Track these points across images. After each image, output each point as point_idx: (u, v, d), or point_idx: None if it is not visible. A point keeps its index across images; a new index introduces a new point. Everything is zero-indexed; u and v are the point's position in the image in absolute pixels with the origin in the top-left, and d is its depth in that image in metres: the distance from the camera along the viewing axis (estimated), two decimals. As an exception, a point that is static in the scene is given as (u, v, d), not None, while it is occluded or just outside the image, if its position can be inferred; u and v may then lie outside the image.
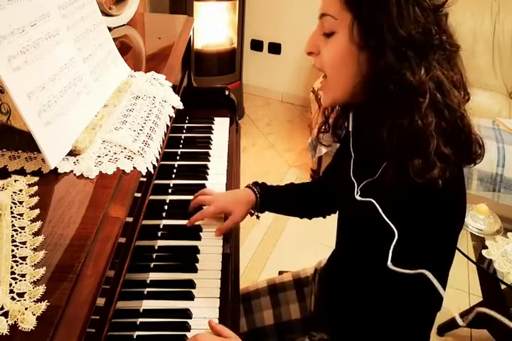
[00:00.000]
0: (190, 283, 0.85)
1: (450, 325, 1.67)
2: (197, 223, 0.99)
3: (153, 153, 0.76)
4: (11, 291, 0.48)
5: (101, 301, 0.56)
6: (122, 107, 0.83)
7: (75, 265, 0.51)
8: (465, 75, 0.67)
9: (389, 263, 0.65)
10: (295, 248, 2.06)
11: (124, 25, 1.29)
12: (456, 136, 0.64)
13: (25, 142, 0.66)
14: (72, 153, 0.68)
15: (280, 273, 1.22)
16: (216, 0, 2.70)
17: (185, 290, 0.84)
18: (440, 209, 0.65)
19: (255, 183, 1.04)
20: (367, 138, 0.74)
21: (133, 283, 0.84)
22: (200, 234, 0.98)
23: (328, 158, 0.97)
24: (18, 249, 0.52)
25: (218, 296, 0.84)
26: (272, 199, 1.03)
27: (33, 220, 0.57)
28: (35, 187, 0.62)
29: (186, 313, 0.80)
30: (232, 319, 0.81)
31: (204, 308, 0.81)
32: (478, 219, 1.43)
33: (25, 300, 0.47)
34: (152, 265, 0.89)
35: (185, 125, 1.37)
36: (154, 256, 0.91)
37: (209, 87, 1.55)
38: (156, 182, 0.89)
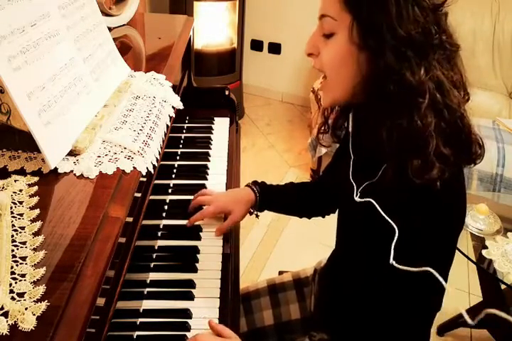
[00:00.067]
0: (190, 283, 0.85)
1: (450, 324, 1.67)
2: (197, 223, 0.99)
3: (153, 153, 0.76)
4: (11, 291, 0.48)
5: (101, 301, 0.56)
6: (122, 107, 0.83)
7: (75, 265, 0.51)
8: (465, 75, 0.67)
9: (392, 260, 0.65)
10: (295, 248, 2.06)
11: (124, 25, 1.29)
12: (455, 136, 0.64)
13: (25, 142, 0.66)
14: (72, 153, 0.69)
15: (280, 273, 1.22)
16: (216, 0, 2.70)
17: (185, 290, 0.84)
18: (440, 209, 0.65)
19: (255, 182, 1.04)
20: (366, 139, 0.74)
21: (133, 283, 0.84)
22: (200, 234, 0.98)
23: (328, 158, 0.97)
24: (18, 249, 0.52)
25: (218, 296, 0.84)
26: (272, 198, 1.03)
27: (33, 220, 0.57)
28: (35, 187, 0.62)
29: (186, 313, 0.80)
30: (232, 319, 0.81)
31: (204, 308, 0.81)
32: (478, 219, 1.43)
33: (25, 300, 0.47)
34: (152, 265, 0.89)
35: (185, 125, 1.37)
36: (154, 256, 0.91)
37: (209, 87, 1.55)
38: (156, 182, 0.89)
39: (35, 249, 0.52)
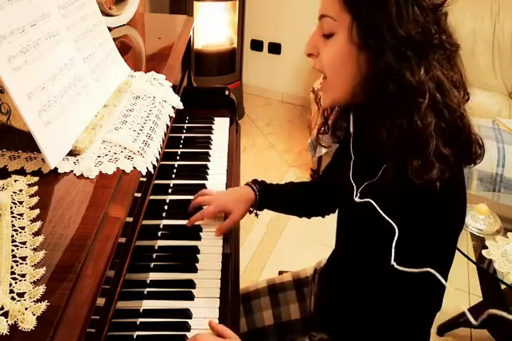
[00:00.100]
0: (190, 283, 0.85)
1: (450, 324, 1.67)
2: (197, 223, 0.99)
3: (153, 153, 0.76)
4: (11, 291, 0.48)
5: (101, 301, 0.56)
6: (122, 107, 0.83)
7: (75, 265, 0.51)
8: (465, 75, 0.67)
9: (393, 262, 0.65)
10: (295, 248, 2.06)
11: (124, 25, 1.29)
12: (455, 137, 0.64)
13: (25, 142, 0.66)
14: (72, 153, 0.69)
15: (280, 273, 1.22)
16: (216, 0, 2.70)
17: (185, 290, 0.84)
18: (440, 210, 0.65)
19: (255, 181, 1.04)
20: (367, 139, 0.74)
21: (133, 283, 0.84)
22: (200, 234, 0.98)
23: (328, 158, 0.98)
24: (18, 249, 0.52)
25: (218, 296, 0.84)
26: (271, 196, 1.03)
27: (33, 220, 0.57)
28: (35, 187, 0.62)
29: (186, 313, 0.80)
30: (232, 319, 0.81)
31: (204, 308, 0.81)
32: (478, 219, 1.43)
33: (25, 300, 0.47)
34: (152, 265, 0.89)
35: (185, 125, 1.37)
36: (154, 256, 0.91)
37: (209, 87, 1.55)
38: (156, 182, 0.89)
39: (35, 249, 0.52)
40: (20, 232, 0.55)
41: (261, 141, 2.90)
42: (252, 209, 1.02)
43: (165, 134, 0.88)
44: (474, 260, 1.34)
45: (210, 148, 1.26)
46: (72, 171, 0.66)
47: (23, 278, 0.49)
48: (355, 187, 0.75)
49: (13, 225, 0.56)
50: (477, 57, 2.40)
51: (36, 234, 0.55)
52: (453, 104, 0.63)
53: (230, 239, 0.98)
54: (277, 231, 2.17)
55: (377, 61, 0.63)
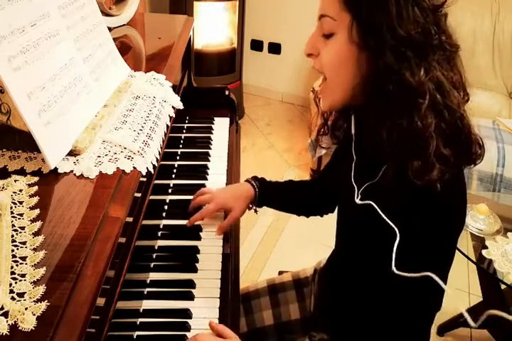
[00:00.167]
0: (190, 283, 0.85)
1: (450, 324, 1.67)
2: (197, 223, 0.99)
3: (153, 153, 0.76)
4: (11, 291, 0.48)
5: (101, 301, 0.56)
6: (122, 107, 0.83)
7: (75, 265, 0.51)
8: (464, 76, 0.67)
9: (393, 268, 0.65)
10: (295, 248, 2.06)
11: (124, 25, 1.29)
12: (455, 137, 0.64)
13: (25, 142, 0.66)
14: (72, 153, 0.68)
15: (280, 273, 1.22)
16: (216, 0, 2.70)
17: (185, 290, 0.84)
18: (440, 211, 0.65)
19: (254, 177, 1.04)
20: (367, 140, 0.74)
21: (133, 283, 0.84)
22: (200, 234, 0.98)
23: (328, 158, 0.97)
24: (18, 249, 0.52)
25: (218, 296, 0.84)
26: (271, 193, 1.03)
27: (33, 220, 0.57)
28: (35, 187, 0.62)
29: (186, 313, 0.80)
30: (232, 319, 0.81)
31: (204, 308, 0.81)
32: (478, 219, 1.43)
33: (25, 300, 0.47)
34: (152, 265, 0.89)
35: (185, 125, 1.37)
36: (154, 256, 0.91)
37: (209, 87, 1.55)
38: (156, 182, 0.89)
39: (35, 249, 0.52)
40: (20, 232, 0.55)
41: (261, 141, 2.90)
42: (251, 205, 1.02)
43: (165, 134, 0.88)
44: (474, 260, 1.34)
45: (210, 148, 1.26)
46: (72, 171, 0.66)
47: (23, 278, 0.49)
48: (356, 189, 0.75)
49: (13, 225, 0.56)
50: (477, 57, 2.40)
51: (36, 234, 0.55)
52: (453, 105, 0.63)
53: (230, 239, 0.98)
54: (277, 231, 2.17)
55: (377, 61, 0.63)
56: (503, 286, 1.36)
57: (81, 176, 0.65)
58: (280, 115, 3.25)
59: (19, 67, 0.61)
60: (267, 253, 2.04)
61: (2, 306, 0.46)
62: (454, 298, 1.80)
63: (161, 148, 0.83)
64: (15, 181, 0.63)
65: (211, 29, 2.79)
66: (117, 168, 0.68)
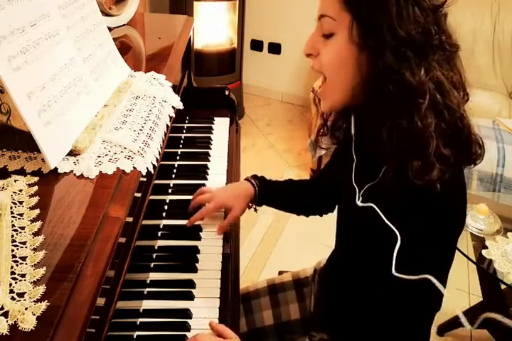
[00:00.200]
0: (190, 283, 0.85)
1: (450, 324, 1.67)
2: (197, 223, 0.99)
3: (153, 153, 0.76)
4: (11, 291, 0.48)
5: (101, 301, 0.56)
6: (122, 107, 0.83)
7: (75, 265, 0.51)
8: (464, 76, 0.67)
9: (393, 271, 0.64)
10: (295, 248, 2.06)
11: (124, 25, 1.29)
12: (455, 137, 0.64)
13: (25, 142, 0.66)
14: (72, 153, 0.68)
15: (280, 273, 1.22)
16: (216, 0, 2.70)
17: (185, 290, 0.84)
18: (440, 211, 0.65)
19: (254, 176, 1.04)
20: (368, 140, 0.74)
21: (133, 283, 0.84)
22: (200, 234, 0.98)
23: (328, 158, 0.97)
24: (18, 249, 0.52)
25: (218, 296, 0.84)
26: (271, 191, 1.03)
27: (33, 220, 0.57)
28: (35, 187, 0.62)
29: (186, 313, 0.80)
30: (232, 319, 0.81)
31: (204, 308, 0.81)
32: (478, 219, 1.43)
33: (25, 300, 0.47)
34: (152, 265, 0.89)
35: (185, 125, 1.37)
36: (154, 256, 0.91)
37: (209, 87, 1.55)
38: (156, 182, 0.89)
39: (35, 249, 0.52)
40: (20, 232, 0.55)
41: (261, 141, 2.90)
42: (250, 204, 1.02)
43: (165, 134, 0.88)
44: (474, 260, 1.34)
45: (210, 148, 1.26)
46: (72, 171, 0.66)
47: (23, 278, 0.49)
48: (357, 191, 0.75)
49: (13, 225, 0.56)
50: (477, 57, 2.40)
51: (36, 234, 0.55)
52: (453, 105, 0.63)
53: (230, 239, 0.98)
54: (277, 231, 2.17)
55: (377, 61, 0.63)
56: (503, 286, 1.36)
57: (81, 176, 0.65)
58: (280, 115, 3.25)
59: (19, 67, 0.61)
60: (267, 253, 2.04)
61: (2, 306, 0.46)
62: (454, 298, 1.80)
63: (161, 148, 0.83)
64: (15, 181, 0.63)
65: (211, 29, 2.79)
66: (117, 168, 0.68)
